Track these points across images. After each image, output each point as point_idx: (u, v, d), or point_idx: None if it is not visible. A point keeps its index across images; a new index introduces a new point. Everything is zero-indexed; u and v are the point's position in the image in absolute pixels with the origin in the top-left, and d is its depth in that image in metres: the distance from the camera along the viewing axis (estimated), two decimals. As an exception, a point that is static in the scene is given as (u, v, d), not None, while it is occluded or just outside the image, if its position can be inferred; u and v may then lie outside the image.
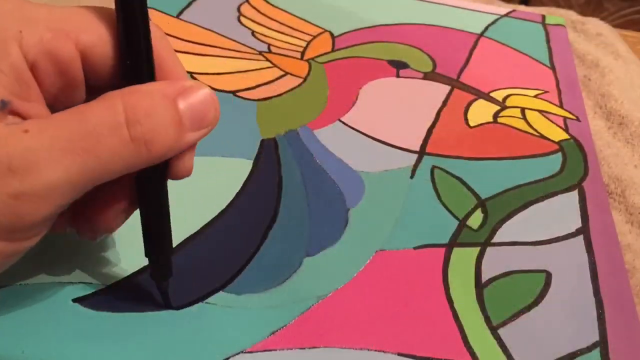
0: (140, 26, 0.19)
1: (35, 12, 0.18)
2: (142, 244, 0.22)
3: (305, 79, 0.37)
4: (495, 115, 0.36)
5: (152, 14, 0.30)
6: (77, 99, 0.20)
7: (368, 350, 0.22)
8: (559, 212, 0.29)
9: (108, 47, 0.19)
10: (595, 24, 0.49)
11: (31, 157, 0.16)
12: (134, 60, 0.19)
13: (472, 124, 0.35)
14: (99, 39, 0.19)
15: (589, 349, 0.23)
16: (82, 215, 0.21)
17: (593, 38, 0.47)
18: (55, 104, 0.19)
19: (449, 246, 0.27)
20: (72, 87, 0.19)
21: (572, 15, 0.50)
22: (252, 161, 0.30)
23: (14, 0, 0.19)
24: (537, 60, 0.42)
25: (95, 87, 0.20)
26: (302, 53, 0.39)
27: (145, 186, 0.21)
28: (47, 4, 0.19)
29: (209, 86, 0.20)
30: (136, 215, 0.22)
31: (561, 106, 0.37)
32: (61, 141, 0.17)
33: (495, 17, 0.47)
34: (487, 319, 0.24)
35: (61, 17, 0.19)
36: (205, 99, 0.20)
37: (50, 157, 0.17)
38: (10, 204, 0.16)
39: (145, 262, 0.24)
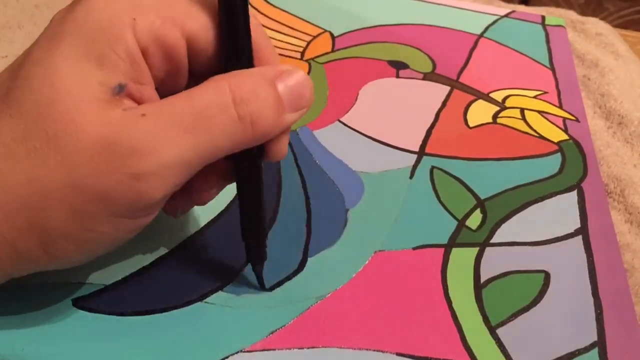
0: (240, 15, 0.20)
1: (145, 0, 0.19)
2: (143, 246, 0.22)
3: (305, 80, 0.37)
4: (495, 116, 0.36)
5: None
6: (180, 84, 0.21)
7: (367, 350, 0.22)
8: (558, 213, 0.29)
9: (210, 34, 0.20)
10: (595, 24, 0.49)
11: (150, 140, 0.18)
12: (235, 46, 0.20)
13: (471, 124, 0.35)
14: (202, 26, 0.20)
15: (587, 349, 0.23)
16: (180, 192, 0.21)
17: (593, 38, 0.47)
18: (161, 89, 0.20)
19: (448, 246, 0.27)
20: (177, 73, 0.20)
21: (572, 15, 0.50)
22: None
23: None
24: (536, 61, 0.42)
25: (197, 73, 0.21)
26: (302, 53, 0.39)
27: (244, 170, 0.22)
28: None
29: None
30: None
31: (560, 107, 0.37)
32: (176, 123, 0.18)
33: (495, 17, 0.47)
34: (486, 319, 0.24)
35: (168, 4, 0.19)
36: (301, 81, 0.21)
37: (167, 139, 0.18)
38: (132, 184, 0.18)
39: (144, 262, 0.24)
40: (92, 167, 0.17)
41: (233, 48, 0.20)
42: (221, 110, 0.19)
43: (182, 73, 0.21)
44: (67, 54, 0.18)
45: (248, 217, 0.23)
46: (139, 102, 0.19)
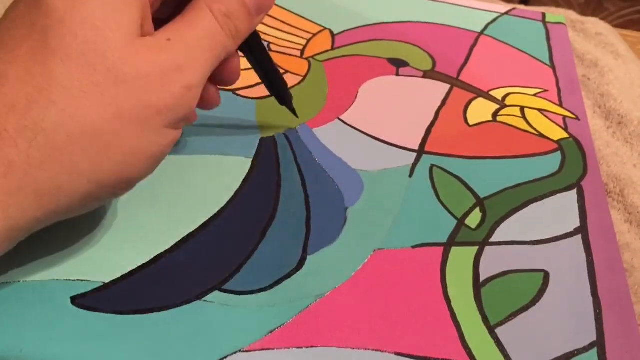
0: None
1: None
2: (141, 243, 0.23)
3: (304, 77, 0.37)
4: (495, 114, 0.36)
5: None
6: (155, 8, 0.24)
7: (366, 349, 0.22)
8: (558, 212, 0.29)
9: None
10: (594, 24, 0.49)
11: (186, 58, 0.22)
12: None
13: (471, 122, 0.35)
14: None
15: (586, 348, 0.23)
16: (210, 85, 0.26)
17: (592, 38, 0.47)
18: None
19: (448, 245, 0.27)
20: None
21: (571, 14, 0.50)
22: (251, 160, 0.30)
23: None
24: (537, 59, 0.42)
25: None
26: (302, 51, 0.39)
27: (250, 49, 0.28)
28: None
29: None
30: (134, 215, 0.22)
31: (561, 105, 0.37)
32: (196, 42, 0.23)
33: (496, 15, 0.46)
34: (485, 319, 0.24)
35: None
36: None
37: (197, 56, 0.23)
38: (185, 95, 0.22)
39: (143, 260, 0.24)
40: (153, 86, 0.21)
41: None
42: (216, 31, 0.23)
43: None
44: (97, 1, 0.21)
45: (267, 72, 0.30)
46: (146, 32, 0.23)
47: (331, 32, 0.42)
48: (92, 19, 0.20)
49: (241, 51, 0.27)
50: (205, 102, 0.27)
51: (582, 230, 0.28)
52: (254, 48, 0.28)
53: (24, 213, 0.19)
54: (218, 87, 0.27)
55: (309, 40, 0.40)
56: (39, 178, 0.19)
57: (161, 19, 0.24)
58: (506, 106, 0.37)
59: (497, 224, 0.28)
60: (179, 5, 0.24)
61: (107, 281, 0.24)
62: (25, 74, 0.19)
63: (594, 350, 0.23)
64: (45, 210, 0.20)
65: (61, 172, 0.20)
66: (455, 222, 0.28)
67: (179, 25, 0.23)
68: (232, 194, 0.28)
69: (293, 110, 0.32)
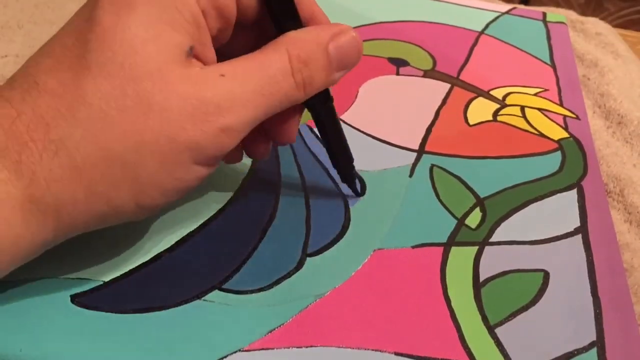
0: None
1: None
2: (141, 243, 0.23)
3: (304, 77, 0.37)
4: (495, 114, 0.36)
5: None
6: (226, 37, 0.23)
7: (365, 349, 0.22)
8: (558, 211, 0.29)
9: None
10: (594, 24, 0.49)
11: (232, 98, 0.21)
12: (284, 5, 0.23)
13: (471, 122, 0.35)
14: None
15: (586, 348, 0.23)
16: (262, 137, 0.25)
17: (592, 37, 0.47)
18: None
19: (447, 245, 0.27)
20: (226, 29, 0.23)
21: (571, 14, 0.50)
22: (251, 160, 0.30)
23: None
24: (537, 58, 0.42)
25: (240, 26, 0.24)
26: (302, 50, 0.39)
27: (322, 115, 0.26)
28: None
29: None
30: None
31: (561, 104, 0.37)
32: (252, 85, 0.21)
33: (496, 14, 0.46)
34: (485, 318, 0.24)
35: None
36: (350, 41, 0.23)
37: (246, 99, 0.21)
38: (218, 136, 0.21)
39: (143, 259, 0.24)
40: (183, 121, 0.20)
41: (282, 7, 0.23)
42: (284, 77, 0.22)
43: (230, 28, 0.23)
44: (142, 20, 0.20)
45: (336, 149, 0.27)
46: (203, 62, 0.22)
47: (331, 31, 0.41)
48: (133, 40, 0.19)
49: (313, 118, 0.26)
50: (251, 152, 0.26)
51: (582, 230, 0.28)
52: (324, 116, 0.26)
53: (43, 225, 0.20)
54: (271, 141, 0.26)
55: (309, 40, 0.40)
56: (58, 193, 0.19)
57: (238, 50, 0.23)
58: (506, 106, 0.37)
59: (497, 223, 0.28)
60: (259, 40, 0.23)
61: (107, 280, 0.24)
62: (59, 87, 0.19)
63: (594, 350, 0.23)
64: (63, 224, 0.20)
65: (78, 191, 0.19)
66: (455, 222, 0.28)
67: (245, 62, 0.22)
68: (232, 193, 0.28)
69: (356, 191, 0.29)
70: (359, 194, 0.29)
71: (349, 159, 0.27)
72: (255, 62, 0.22)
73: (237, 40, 0.24)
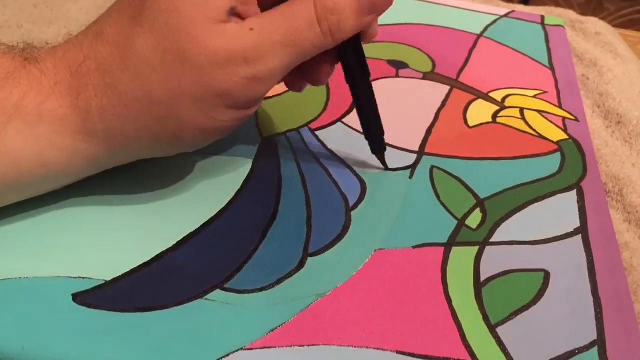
0: None
1: None
2: (143, 241, 0.23)
3: (305, 79, 0.37)
4: (494, 116, 0.36)
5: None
6: None
7: (367, 348, 0.23)
8: (558, 212, 0.29)
9: None
10: (594, 23, 0.49)
11: (258, 49, 0.23)
12: None
13: (471, 124, 0.35)
14: None
15: (586, 347, 0.23)
16: (298, 76, 0.28)
17: (592, 37, 0.47)
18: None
19: (448, 245, 0.27)
20: None
21: (571, 14, 0.50)
22: (252, 161, 0.30)
23: None
24: (536, 61, 0.42)
25: None
26: (302, 53, 0.39)
27: (358, 86, 0.28)
28: None
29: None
30: (136, 214, 0.22)
31: (560, 106, 0.37)
32: (277, 37, 0.23)
33: (495, 17, 0.47)
34: (486, 318, 0.24)
35: None
36: None
37: (272, 50, 0.23)
38: (247, 85, 0.23)
39: (145, 258, 0.24)
40: (214, 72, 0.23)
41: None
42: (309, 26, 0.23)
43: None
44: None
45: (369, 119, 0.29)
46: (243, 19, 0.24)
47: (331, 33, 0.42)
48: (179, 2, 0.22)
49: (351, 91, 0.28)
50: (291, 87, 0.29)
51: (582, 230, 0.29)
52: (361, 88, 0.28)
53: (95, 149, 0.24)
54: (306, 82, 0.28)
55: (309, 42, 0.40)
56: (109, 124, 0.23)
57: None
58: (506, 107, 0.37)
59: (498, 224, 0.28)
60: None
61: (108, 279, 0.24)
62: (115, 35, 0.23)
63: (595, 349, 0.23)
64: (114, 151, 0.24)
65: (127, 124, 0.23)
66: (456, 222, 0.28)
67: (273, 15, 0.23)
68: (233, 193, 0.28)
69: (384, 162, 0.31)
70: (387, 166, 0.31)
71: (381, 130, 0.29)
72: (281, 14, 0.23)
73: None
